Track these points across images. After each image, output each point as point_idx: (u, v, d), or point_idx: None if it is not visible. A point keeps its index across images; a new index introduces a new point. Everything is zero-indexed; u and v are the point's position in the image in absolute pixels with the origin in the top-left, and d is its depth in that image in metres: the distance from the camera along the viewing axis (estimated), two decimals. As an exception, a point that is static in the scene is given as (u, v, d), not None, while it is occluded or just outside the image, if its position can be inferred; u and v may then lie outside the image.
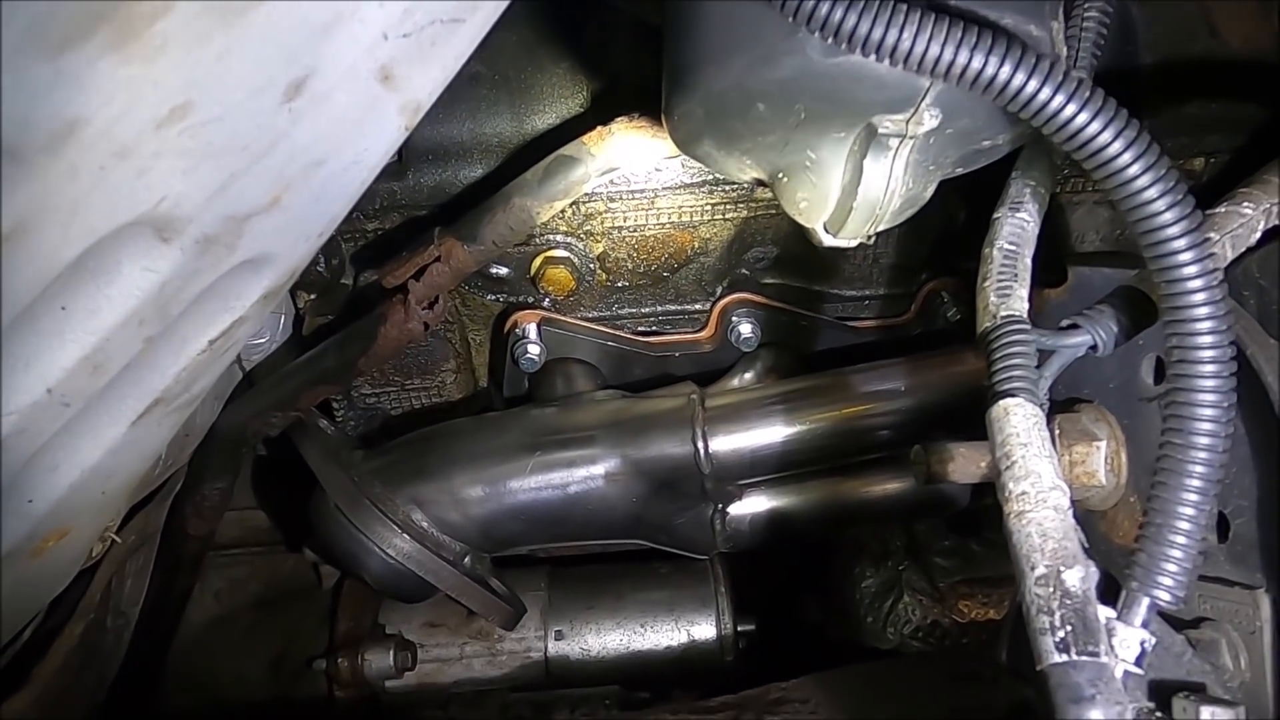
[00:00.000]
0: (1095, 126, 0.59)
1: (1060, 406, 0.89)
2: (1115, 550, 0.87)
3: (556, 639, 1.44)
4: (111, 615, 1.22)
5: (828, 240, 0.84)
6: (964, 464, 0.83)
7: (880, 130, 0.72)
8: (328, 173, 0.70)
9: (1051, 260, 0.90)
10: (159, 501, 1.21)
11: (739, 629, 1.44)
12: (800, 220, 0.84)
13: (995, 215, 0.79)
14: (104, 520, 0.92)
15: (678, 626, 1.45)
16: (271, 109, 0.58)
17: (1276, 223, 0.73)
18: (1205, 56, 1.13)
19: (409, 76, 0.69)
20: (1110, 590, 0.64)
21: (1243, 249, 0.72)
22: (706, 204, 1.22)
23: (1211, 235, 0.70)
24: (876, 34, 0.61)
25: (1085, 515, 0.87)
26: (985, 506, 1.40)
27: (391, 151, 0.76)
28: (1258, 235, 0.72)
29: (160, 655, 1.44)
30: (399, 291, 1.17)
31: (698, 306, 1.34)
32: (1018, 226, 0.78)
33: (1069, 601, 0.58)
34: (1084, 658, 0.56)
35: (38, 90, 0.43)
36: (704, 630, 1.44)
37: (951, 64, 0.60)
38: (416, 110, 0.74)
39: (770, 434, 1.21)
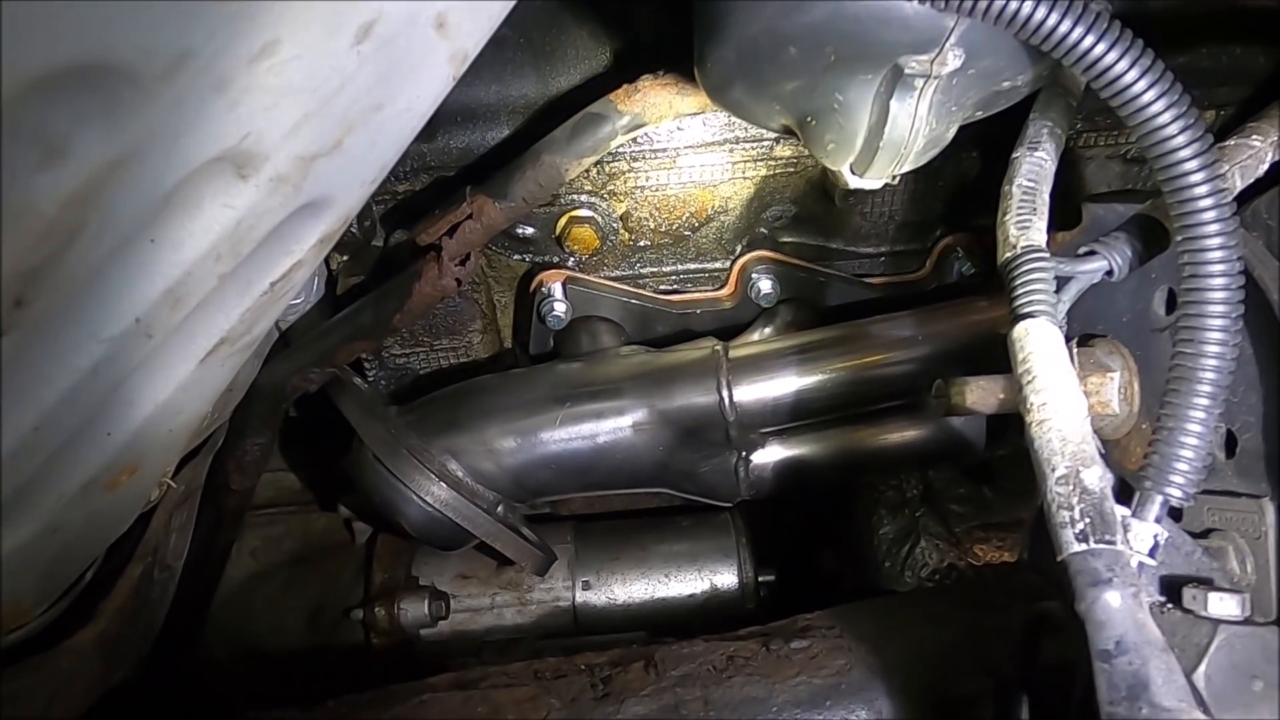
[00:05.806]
0: (1112, 56, 0.63)
1: (1076, 341, 0.93)
2: (1129, 476, 0.91)
3: (584, 589, 1.48)
4: (158, 568, 1.26)
5: (854, 182, 0.88)
6: (983, 395, 0.88)
7: (906, 71, 0.76)
8: (384, 117, 0.74)
9: (1063, 215, 0.94)
10: (203, 456, 1.25)
11: (760, 579, 1.48)
12: (827, 163, 0.88)
13: (1014, 155, 0.83)
14: (168, 460, 0.96)
15: (701, 576, 1.49)
16: (343, 50, 0.62)
17: (1282, 156, 0.77)
18: (1216, 7, 1.15)
19: (460, 24, 0.73)
20: (1125, 500, 0.69)
21: (1251, 179, 0.76)
22: (726, 162, 1.26)
23: (1222, 165, 0.74)
24: (906, -28, 0.64)
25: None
26: (999, 457, 1.44)
27: (439, 100, 0.80)
28: (1265, 166, 0.77)
29: (202, 609, 1.49)
30: (431, 249, 1.21)
31: (718, 265, 1.38)
32: (1036, 164, 0.82)
33: (1087, 497, 0.63)
34: (1101, 545, 0.61)
35: (156, 19, 0.47)
36: (726, 579, 1.48)
37: (976, -1, 0.64)
38: (464, 60, 0.78)
39: (792, 382, 1.25)
